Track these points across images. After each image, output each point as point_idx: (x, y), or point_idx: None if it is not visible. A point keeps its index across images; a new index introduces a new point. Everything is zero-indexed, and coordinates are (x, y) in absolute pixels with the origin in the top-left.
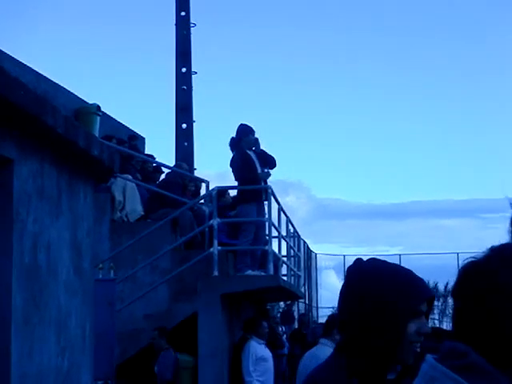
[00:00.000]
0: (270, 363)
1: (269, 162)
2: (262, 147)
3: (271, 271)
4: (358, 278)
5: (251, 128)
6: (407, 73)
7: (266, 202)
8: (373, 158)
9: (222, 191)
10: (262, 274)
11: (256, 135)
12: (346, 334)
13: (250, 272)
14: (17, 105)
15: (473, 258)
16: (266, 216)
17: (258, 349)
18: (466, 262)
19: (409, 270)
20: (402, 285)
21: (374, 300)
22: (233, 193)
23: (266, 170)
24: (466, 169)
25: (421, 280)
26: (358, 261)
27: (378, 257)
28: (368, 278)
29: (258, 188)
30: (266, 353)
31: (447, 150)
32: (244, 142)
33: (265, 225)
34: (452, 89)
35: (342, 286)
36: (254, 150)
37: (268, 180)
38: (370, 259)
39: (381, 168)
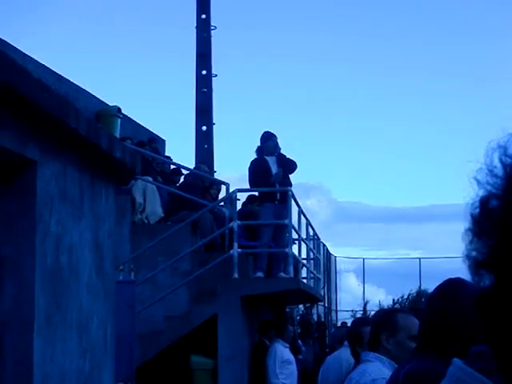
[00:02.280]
0: (294, 366)
1: (288, 166)
2: (283, 151)
3: (291, 274)
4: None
5: (272, 134)
6: (428, 76)
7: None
8: (394, 162)
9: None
10: (284, 276)
11: (277, 140)
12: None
13: (259, 274)
14: (41, 107)
15: None
16: (287, 218)
17: (284, 352)
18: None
19: None
20: None
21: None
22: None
23: (277, 172)
24: None
25: None
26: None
27: (397, 260)
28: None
29: (278, 190)
30: (291, 356)
31: (468, 154)
32: (265, 148)
33: (284, 227)
34: (469, 91)
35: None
36: (275, 155)
37: (290, 183)
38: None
39: (402, 171)
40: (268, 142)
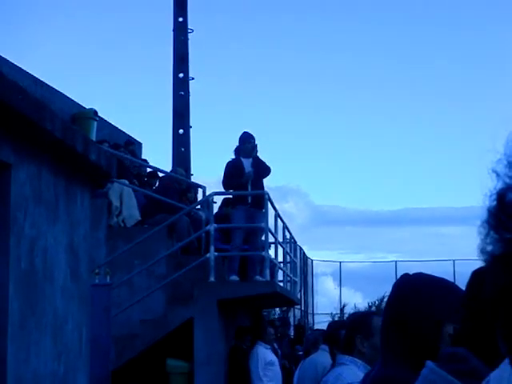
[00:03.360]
0: (278, 367)
1: (262, 170)
2: (261, 154)
3: (267, 277)
4: (401, 288)
5: (250, 135)
6: (405, 75)
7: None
8: (371, 165)
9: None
10: (260, 279)
11: (255, 142)
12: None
13: (234, 278)
14: (15, 109)
15: None
16: (259, 221)
17: (267, 353)
18: None
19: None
20: (440, 289)
21: (414, 302)
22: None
23: (249, 171)
24: (464, 176)
25: (459, 288)
26: (405, 275)
27: (374, 263)
28: (409, 287)
29: (254, 193)
30: (273, 357)
31: (445, 157)
32: (242, 149)
33: (257, 230)
34: (451, 93)
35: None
36: (251, 158)
37: (267, 186)
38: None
39: (379, 175)
40: (246, 143)
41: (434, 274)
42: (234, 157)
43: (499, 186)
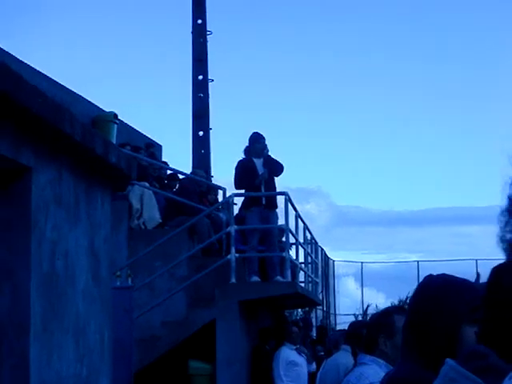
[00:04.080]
0: (303, 368)
1: (275, 168)
2: (281, 155)
3: (289, 278)
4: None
5: (260, 135)
6: (421, 74)
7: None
8: (394, 165)
9: None
10: (281, 280)
11: (265, 142)
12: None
13: (255, 279)
14: (35, 112)
15: None
16: (274, 222)
17: (290, 354)
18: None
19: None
20: (461, 289)
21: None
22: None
23: (263, 173)
24: (486, 175)
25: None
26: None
27: (396, 264)
28: (431, 288)
29: (274, 194)
30: (298, 358)
31: (467, 157)
32: (252, 149)
33: (273, 231)
34: (469, 93)
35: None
36: (262, 158)
37: (287, 187)
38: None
39: (401, 174)
40: (255, 143)
41: (456, 275)
42: (244, 157)
43: None
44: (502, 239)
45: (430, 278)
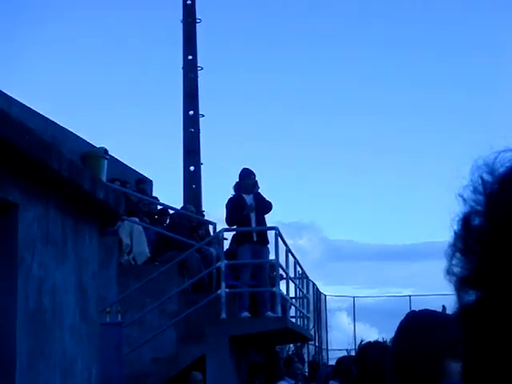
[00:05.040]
0: None
1: (264, 206)
2: (271, 190)
3: (279, 313)
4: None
5: (250, 171)
6: (415, 106)
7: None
8: (387, 199)
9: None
10: (271, 315)
11: (256, 178)
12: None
13: (245, 314)
14: (22, 149)
15: None
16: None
17: None
18: None
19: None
20: (441, 324)
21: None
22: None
23: (250, 204)
24: None
25: None
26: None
27: (389, 298)
28: (411, 324)
29: (264, 229)
30: None
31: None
32: (242, 185)
33: (265, 266)
34: (462, 123)
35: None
36: (252, 194)
37: (280, 222)
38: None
39: (393, 209)
40: (246, 180)
41: (438, 311)
42: (234, 193)
43: (465, 209)
44: (450, 272)
45: (411, 314)
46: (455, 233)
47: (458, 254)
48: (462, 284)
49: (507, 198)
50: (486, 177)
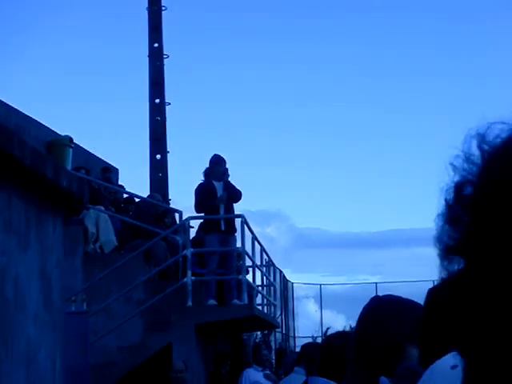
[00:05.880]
0: None
1: (234, 194)
2: (238, 178)
3: (245, 301)
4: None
5: (221, 158)
6: (386, 92)
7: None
8: (353, 187)
9: None
10: (238, 303)
11: (226, 166)
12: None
13: (212, 302)
14: None
15: None
16: (233, 245)
17: (255, 375)
18: None
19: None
20: (403, 310)
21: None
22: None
23: (222, 194)
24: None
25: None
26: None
27: (354, 285)
28: (373, 310)
29: (231, 216)
30: (262, 380)
31: (426, 178)
32: (213, 172)
33: (232, 254)
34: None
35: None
36: (222, 181)
37: (247, 210)
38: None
39: (360, 196)
40: (216, 166)
41: (403, 296)
42: (203, 179)
43: (456, 179)
44: (439, 241)
45: (375, 299)
46: (445, 201)
47: (446, 224)
48: (448, 252)
49: (500, 169)
50: (482, 146)
